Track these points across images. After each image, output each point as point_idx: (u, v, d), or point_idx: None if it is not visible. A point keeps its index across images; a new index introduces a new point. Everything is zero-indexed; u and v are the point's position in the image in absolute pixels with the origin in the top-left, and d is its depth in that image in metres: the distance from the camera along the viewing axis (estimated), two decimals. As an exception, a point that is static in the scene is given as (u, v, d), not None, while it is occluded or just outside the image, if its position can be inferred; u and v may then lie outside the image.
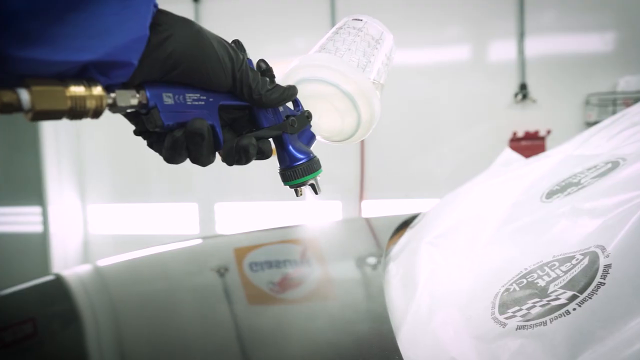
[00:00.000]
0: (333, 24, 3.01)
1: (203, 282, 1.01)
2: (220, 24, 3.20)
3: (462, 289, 0.55)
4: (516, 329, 0.43)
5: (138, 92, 0.34)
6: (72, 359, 0.64)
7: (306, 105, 0.47)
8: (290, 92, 0.44)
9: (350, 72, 0.47)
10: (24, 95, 0.28)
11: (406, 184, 3.02)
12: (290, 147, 0.45)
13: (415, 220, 1.11)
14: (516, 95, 2.80)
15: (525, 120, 2.81)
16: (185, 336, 0.67)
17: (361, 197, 3.06)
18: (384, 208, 3.04)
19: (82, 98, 0.30)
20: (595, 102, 2.70)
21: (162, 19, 0.35)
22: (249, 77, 0.40)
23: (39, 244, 3.35)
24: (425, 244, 0.71)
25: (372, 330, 0.60)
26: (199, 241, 1.61)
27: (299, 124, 0.46)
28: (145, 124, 0.37)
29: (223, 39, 0.40)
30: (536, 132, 2.74)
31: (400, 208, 2.97)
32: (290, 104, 0.46)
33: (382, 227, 1.46)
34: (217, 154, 0.42)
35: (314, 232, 1.57)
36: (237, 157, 0.41)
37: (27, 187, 3.33)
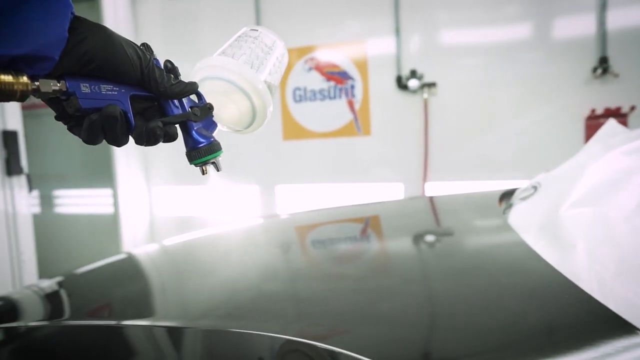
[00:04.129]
0: (396, 6, 2.95)
1: (267, 258, 1.02)
2: (279, 14, 3.22)
3: (636, 251, 0.53)
4: None
5: (59, 82, 0.42)
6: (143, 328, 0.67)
7: (209, 99, 0.56)
8: (191, 87, 0.52)
9: (243, 72, 0.57)
10: None
11: (471, 166, 2.94)
12: (194, 133, 0.54)
13: (520, 194, 1.08)
14: (595, 70, 2.63)
15: (605, 97, 2.63)
16: (251, 310, 0.68)
17: (424, 179, 3.01)
18: (448, 190, 2.98)
19: (10, 84, 0.38)
20: (686, 75, 2.49)
21: (79, 24, 0.43)
22: (155, 73, 0.49)
23: (110, 224, 3.56)
24: (564, 211, 0.69)
25: (551, 293, 0.58)
26: (262, 220, 1.65)
27: (202, 114, 0.54)
28: (66, 108, 0.45)
29: (133, 42, 0.48)
30: (618, 109, 2.57)
31: (467, 190, 2.90)
32: (195, 98, 0.55)
33: (458, 204, 1.43)
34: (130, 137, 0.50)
35: (380, 210, 1.57)
36: (146, 138, 0.49)
37: (100, 171, 3.54)
